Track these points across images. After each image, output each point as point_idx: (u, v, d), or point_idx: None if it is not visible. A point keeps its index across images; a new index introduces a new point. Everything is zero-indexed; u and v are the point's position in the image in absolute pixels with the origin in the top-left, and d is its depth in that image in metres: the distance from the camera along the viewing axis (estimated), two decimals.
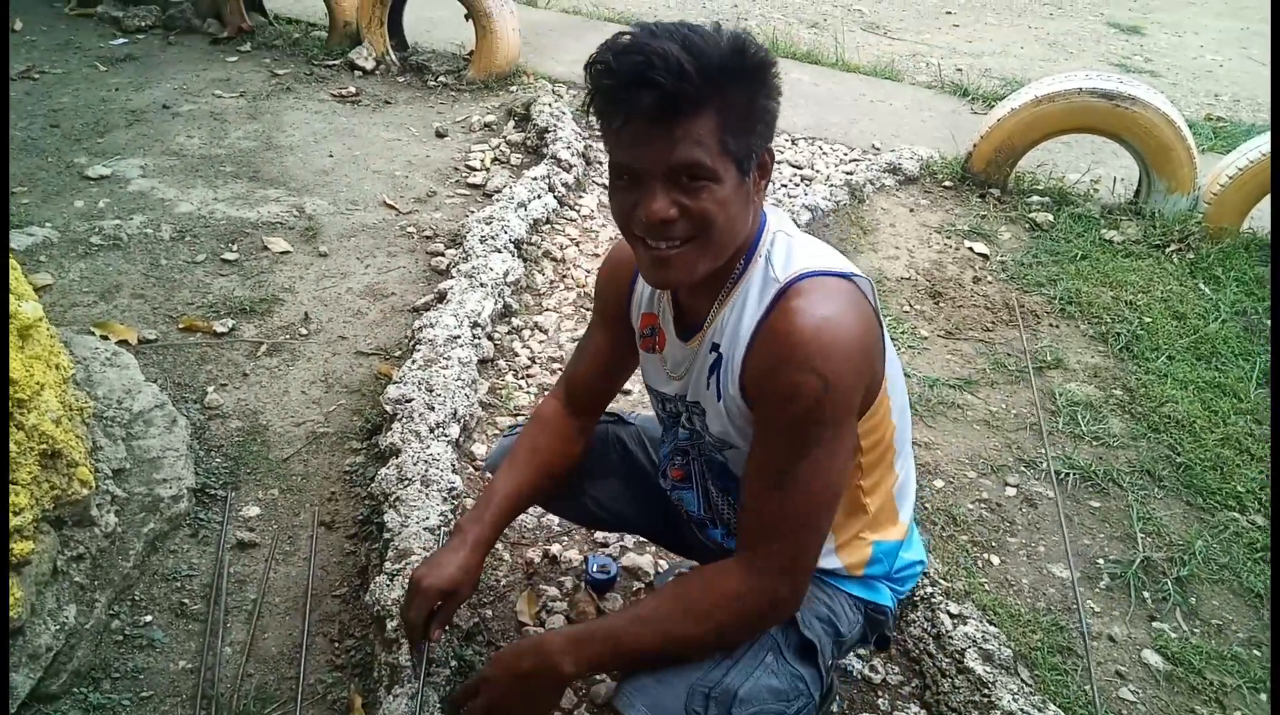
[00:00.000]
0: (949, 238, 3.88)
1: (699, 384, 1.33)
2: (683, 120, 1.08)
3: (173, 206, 3.41)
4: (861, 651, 1.88)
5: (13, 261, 1.81)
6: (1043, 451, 2.64)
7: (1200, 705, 1.91)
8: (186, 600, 1.86)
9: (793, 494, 1.18)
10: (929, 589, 1.97)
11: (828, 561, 1.41)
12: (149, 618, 1.81)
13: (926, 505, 2.37)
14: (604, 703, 1.72)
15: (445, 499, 1.96)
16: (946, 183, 4.35)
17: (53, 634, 1.62)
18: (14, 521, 1.53)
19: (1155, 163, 4.03)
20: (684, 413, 1.40)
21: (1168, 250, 3.87)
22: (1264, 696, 1.93)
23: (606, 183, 3.99)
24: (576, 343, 1.62)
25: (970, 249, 3.80)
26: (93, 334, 2.57)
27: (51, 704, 1.60)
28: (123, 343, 2.58)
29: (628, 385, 2.70)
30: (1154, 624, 2.10)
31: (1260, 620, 2.12)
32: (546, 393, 1.82)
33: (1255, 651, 2.04)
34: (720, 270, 1.23)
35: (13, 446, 1.57)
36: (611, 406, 1.67)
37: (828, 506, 1.22)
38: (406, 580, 1.73)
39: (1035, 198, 4.26)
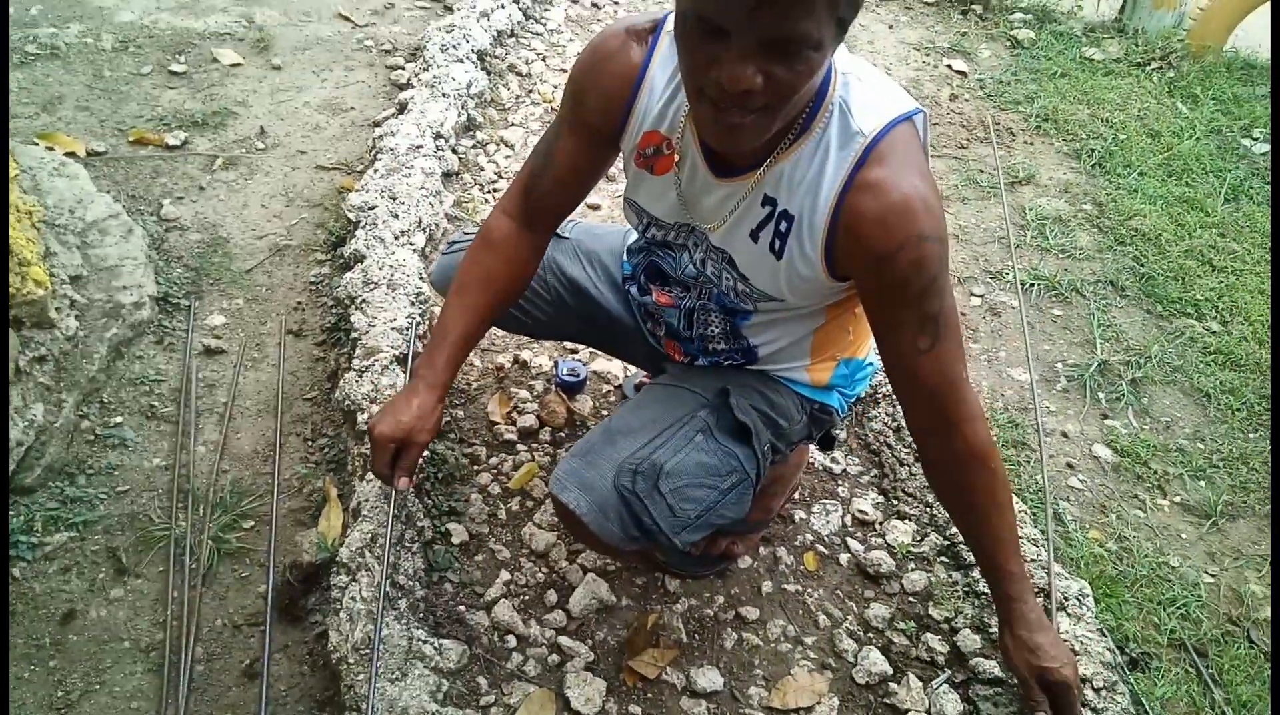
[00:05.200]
0: (928, 55, 3.76)
1: (736, 232, 1.22)
2: None
3: (112, 14, 3.20)
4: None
5: None
6: (1009, 264, 2.65)
7: (1143, 491, 2.01)
8: (156, 403, 1.86)
9: (947, 336, 1.17)
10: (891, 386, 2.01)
11: (794, 374, 1.42)
12: (119, 419, 1.81)
13: None
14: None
15: (413, 303, 1.95)
16: None
17: (21, 429, 1.62)
18: None
19: None
20: (694, 246, 1.31)
21: (1148, 68, 3.78)
22: (1203, 483, 2.03)
23: None
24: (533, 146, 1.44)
25: (949, 67, 3.70)
26: (37, 144, 2.45)
27: (28, 496, 1.63)
28: (70, 155, 2.47)
29: (596, 200, 2.68)
30: (1106, 421, 2.18)
31: (1206, 416, 2.21)
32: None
33: (1199, 444, 2.13)
34: None
35: None
36: None
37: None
38: (376, 375, 1.75)
39: (1018, 14, 4.11)
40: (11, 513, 1.59)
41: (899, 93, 1.16)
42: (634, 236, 1.50)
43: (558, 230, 1.54)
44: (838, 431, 1.90)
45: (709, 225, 1.25)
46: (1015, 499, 1.74)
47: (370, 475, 1.59)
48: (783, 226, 1.18)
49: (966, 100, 3.48)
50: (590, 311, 1.60)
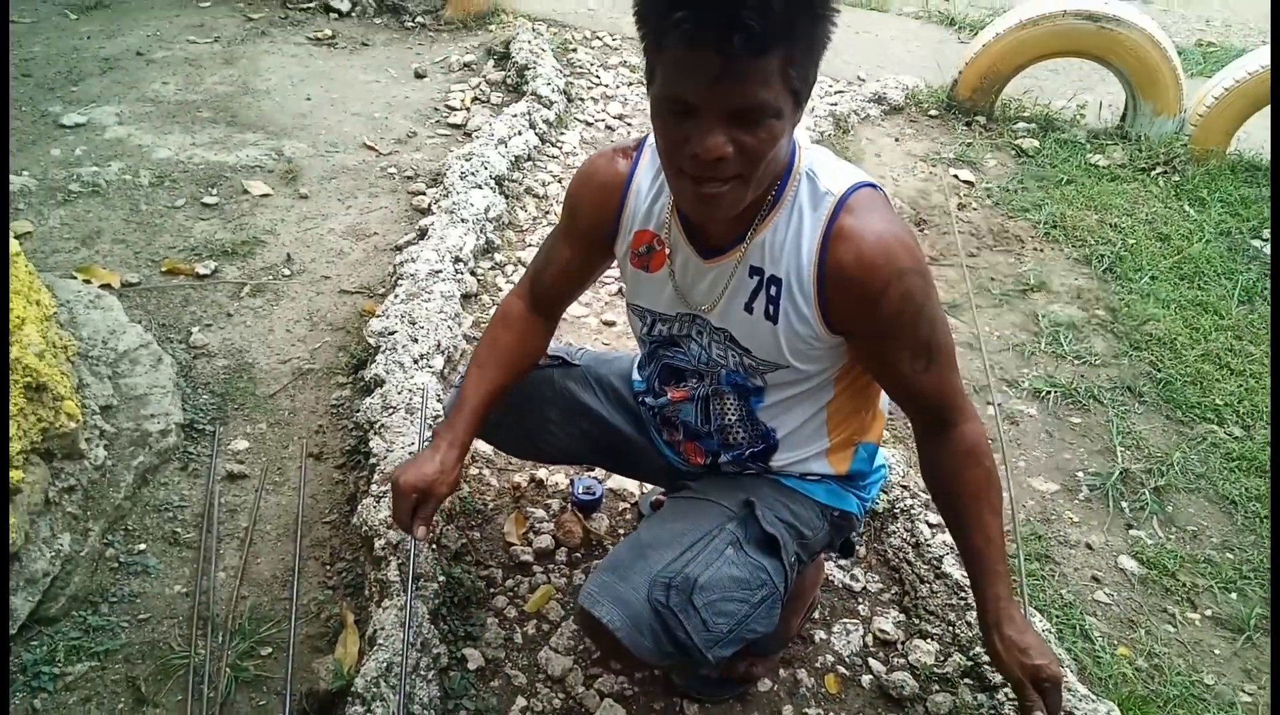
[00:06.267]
0: (934, 166, 3.87)
1: (731, 308, 1.30)
2: (754, 58, 1.00)
3: (150, 152, 3.38)
4: (842, 563, 1.93)
5: None
6: (1025, 371, 2.67)
7: (1172, 605, 1.96)
8: (179, 529, 1.89)
9: (941, 356, 1.27)
10: (909, 501, 2.01)
11: (816, 466, 1.44)
12: (143, 546, 1.84)
13: (907, 424, 2.40)
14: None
15: (430, 427, 1.99)
16: (932, 112, 4.32)
17: (48, 560, 1.65)
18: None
19: (1141, 85, 4.00)
20: (698, 333, 1.37)
21: (1153, 173, 3.87)
22: (1234, 595, 1.98)
23: (589, 119, 4.00)
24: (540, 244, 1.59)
25: (955, 176, 3.80)
26: (75, 278, 2.56)
27: (51, 626, 1.64)
28: (106, 287, 2.57)
29: (612, 317, 2.74)
30: (1130, 531, 2.15)
31: (1233, 525, 2.17)
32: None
33: (1228, 554, 2.09)
34: None
35: None
36: (554, 348, 1.65)
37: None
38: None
39: (1021, 124, 4.24)
40: (35, 643, 1.60)
41: (859, 171, 1.27)
42: (640, 355, 1.55)
43: (568, 358, 1.65)
44: (857, 540, 1.89)
45: (704, 306, 1.33)
46: (1040, 615, 1.72)
47: (386, 601, 1.59)
48: (773, 291, 1.26)
49: (975, 209, 3.56)
50: (602, 433, 1.63)
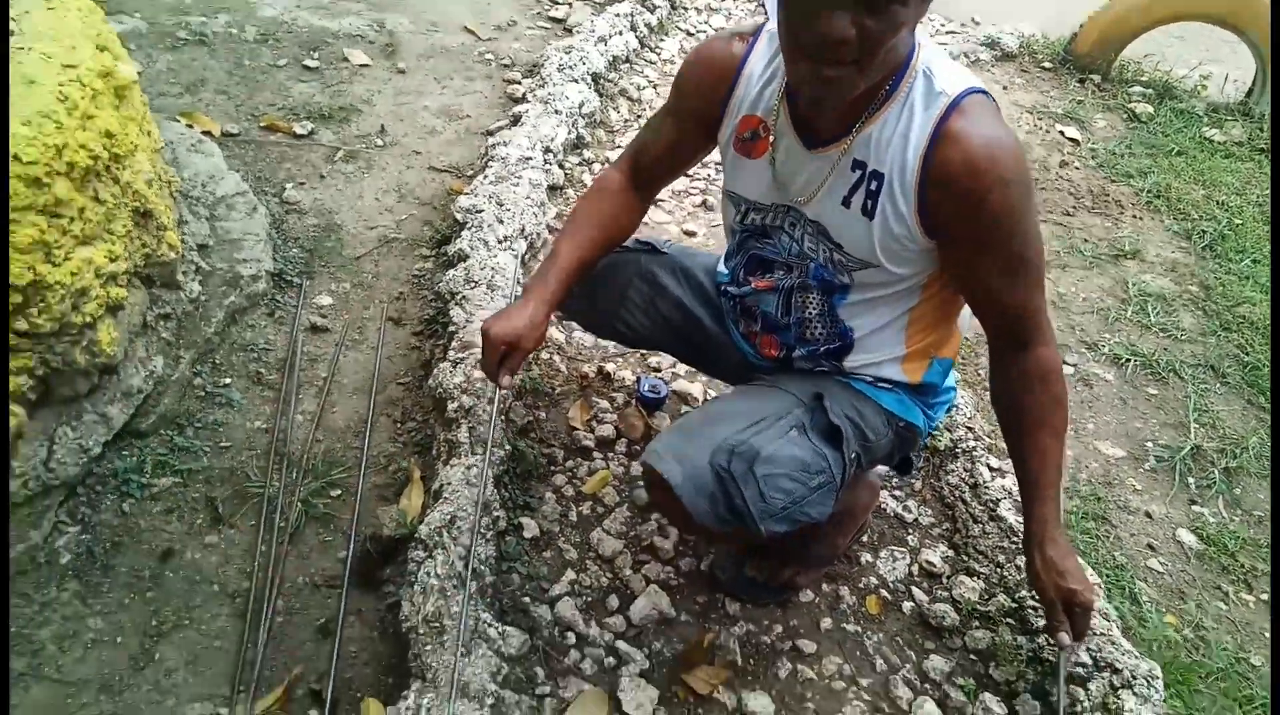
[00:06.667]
0: (1040, 119, 3.74)
1: (828, 201, 1.29)
2: None
3: (256, 9, 3.40)
4: (896, 492, 1.94)
5: (109, 29, 1.83)
6: (1106, 336, 2.61)
7: (1227, 584, 1.94)
8: (262, 370, 1.96)
9: (1031, 274, 1.25)
10: (971, 442, 2.00)
11: (889, 371, 1.44)
12: (228, 380, 1.91)
13: (980, 371, 2.38)
14: (644, 504, 1.81)
15: (508, 303, 2.01)
16: (1045, 64, 4.15)
17: (142, 378, 1.73)
18: (110, 268, 1.61)
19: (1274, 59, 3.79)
20: (791, 225, 1.37)
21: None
22: None
23: (691, 29, 3.91)
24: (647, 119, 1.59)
25: (1061, 133, 3.66)
26: (178, 121, 2.62)
27: (141, 440, 1.73)
28: (207, 133, 2.63)
29: (693, 227, 2.73)
30: (1193, 507, 2.12)
31: None
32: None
33: None
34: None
35: (109, 200, 1.63)
36: (644, 234, 1.66)
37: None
38: (469, 367, 1.81)
39: (1138, 88, 4.06)
40: (126, 453, 1.69)
41: (975, 76, 1.25)
42: (728, 246, 1.56)
43: (656, 245, 1.67)
44: (916, 459, 1.89)
45: (801, 198, 1.33)
46: (1092, 571, 1.71)
47: (454, 460, 1.65)
48: (873, 186, 1.25)
49: (1076, 168, 3.44)
50: (682, 321, 1.65)
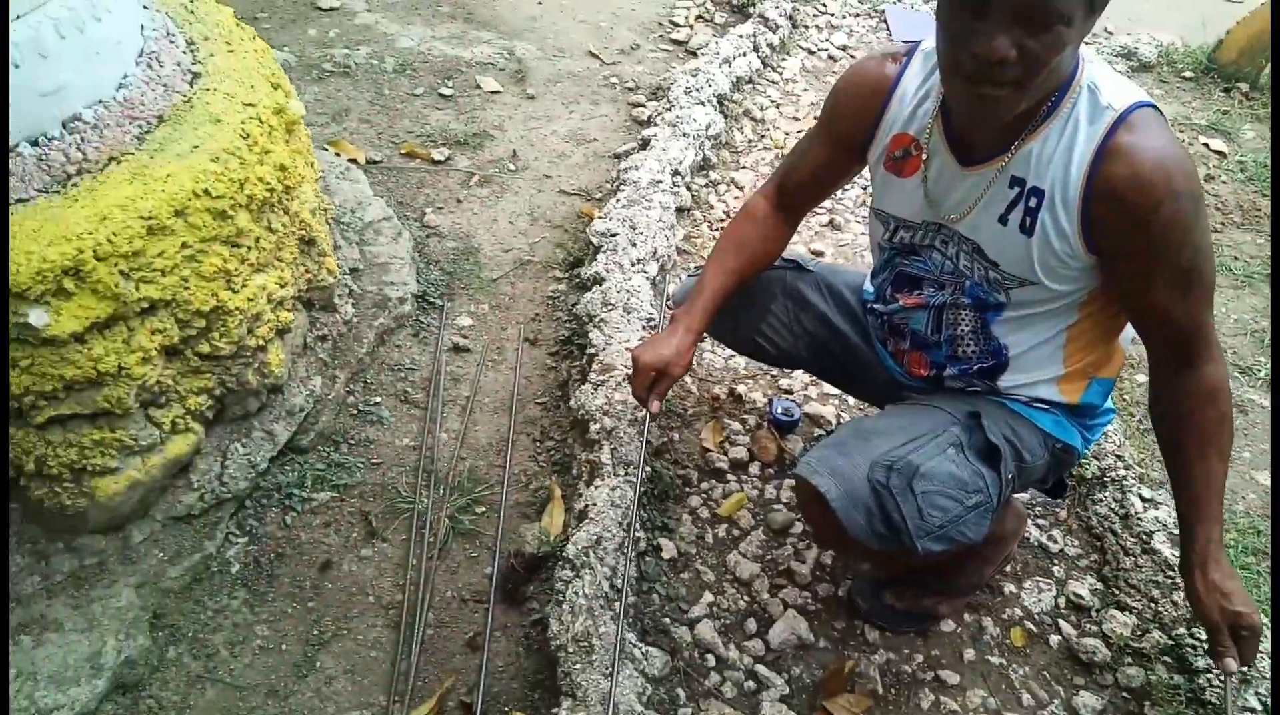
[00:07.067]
0: (1182, 131, 3.57)
1: (984, 218, 1.28)
2: None
3: (394, 40, 3.56)
4: (1040, 522, 1.88)
5: (279, 68, 1.97)
6: (1261, 360, 2.47)
7: None
8: (409, 389, 2.05)
9: (1201, 288, 1.23)
10: (1121, 471, 1.92)
11: (1045, 391, 1.41)
12: (378, 399, 2.01)
13: (1126, 396, 2.29)
14: (779, 527, 1.81)
15: (644, 327, 2.06)
16: (1186, 73, 3.96)
17: (304, 397, 1.84)
18: (280, 293, 1.72)
19: None
20: (943, 243, 1.36)
21: None
22: None
23: (812, 48, 3.91)
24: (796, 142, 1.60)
25: (1205, 145, 3.49)
26: (326, 150, 2.77)
27: (302, 456, 1.84)
28: (352, 161, 2.77)
29: (820, 247, 2.72)
30: None
31: None
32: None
33: None
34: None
35: (280, 229, 1.75)
36: (790, 253, 1.68)
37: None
38: (610, 390, 1.86)
39: None
40: (289, 468, 1.80)
41: (1142, 90, 1.22)
42: (875, 264, 1.55)
43: (802, 263, 1.69)
44: (1069, 481, 1.84)
45: (953, 216, 1.32)
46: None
47: (597, 481, 1.69)
48: (1032, 202, 1.23)
49: (1223, 182, 3.27)
50: (828, 338, 1.65)
